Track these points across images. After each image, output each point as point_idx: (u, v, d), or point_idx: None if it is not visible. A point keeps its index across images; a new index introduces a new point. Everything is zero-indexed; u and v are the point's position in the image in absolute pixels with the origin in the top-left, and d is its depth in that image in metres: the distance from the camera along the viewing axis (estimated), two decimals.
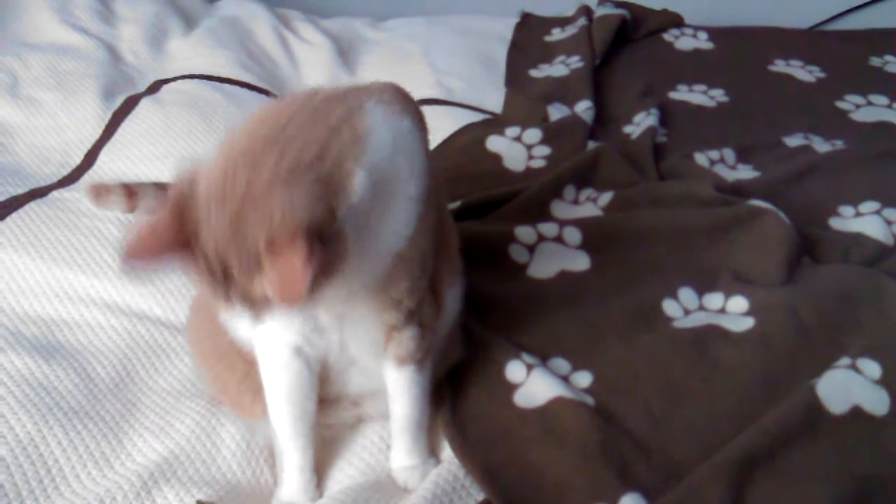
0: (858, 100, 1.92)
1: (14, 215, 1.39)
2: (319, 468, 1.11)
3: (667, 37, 2.19)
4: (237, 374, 1.10)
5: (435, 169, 1.01)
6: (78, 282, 1.30)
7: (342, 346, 1.03)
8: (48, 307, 1.26)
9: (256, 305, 0.83)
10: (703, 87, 1.97)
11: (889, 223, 1.47)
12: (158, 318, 1.27)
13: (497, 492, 1.01)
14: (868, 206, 1.52)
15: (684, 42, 2.18)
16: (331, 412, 1.13)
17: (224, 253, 0.81)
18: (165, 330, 1.26)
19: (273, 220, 0.78)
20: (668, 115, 1.83)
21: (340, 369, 1.07)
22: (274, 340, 1.02)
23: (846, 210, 1.52)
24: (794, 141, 1.75)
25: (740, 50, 2.14)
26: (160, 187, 1.43)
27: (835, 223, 1.50)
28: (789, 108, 1.89)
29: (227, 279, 0.82)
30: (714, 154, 1.67)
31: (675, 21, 2.24)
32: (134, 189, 1.40)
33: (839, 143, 1.73)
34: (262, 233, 0.79)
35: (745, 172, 1.64)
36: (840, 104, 1.92)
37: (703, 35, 2.20)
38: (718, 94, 1.95)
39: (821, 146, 1.72)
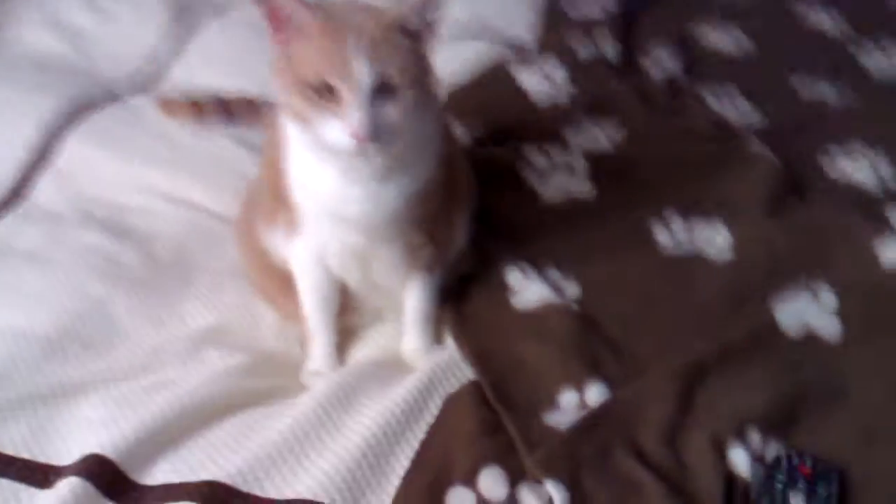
0: (877, 52, 2.01)
1: (94, 116, 1.60)
2: (342, 348, 1.31)
3: None
4: (273, 279, 1.31)
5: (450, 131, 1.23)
6: (146, 175, 1.50)
7: (365, 276, 1.23)
8: (120, 195, 1.48)
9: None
10: (732, 33, 2.08)
11: (878, 172, 1.60)
12: (214, 209, 1.48)
13: (484, 372, 1.19)
14: (861, 152, 1.65)
15: None
16: (353, 317, 1.33)
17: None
18: (221, 221, 1.46)
19: None
20: (692, 58, 1.96)
21: (362, 293, 1.28)
22: (303, 252, 1.22)
23: (841, 158, 1.65)
24: (805, 87, 1.86)
25: None
26: (223, 102, 1.63)
27: (828, 169, 1.63)
28: (809, 55, 2.00)
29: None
30: (723, 95, 1.80)
31: None
32: (200, 104, 1.60)
33: (850, 93, 1.84)
34: None
35: (752, 114, 1.77)
36: (859, 55, 2.02)
37: None
38: (745, 40, 2.06)
39: (830, 95, 1.83)
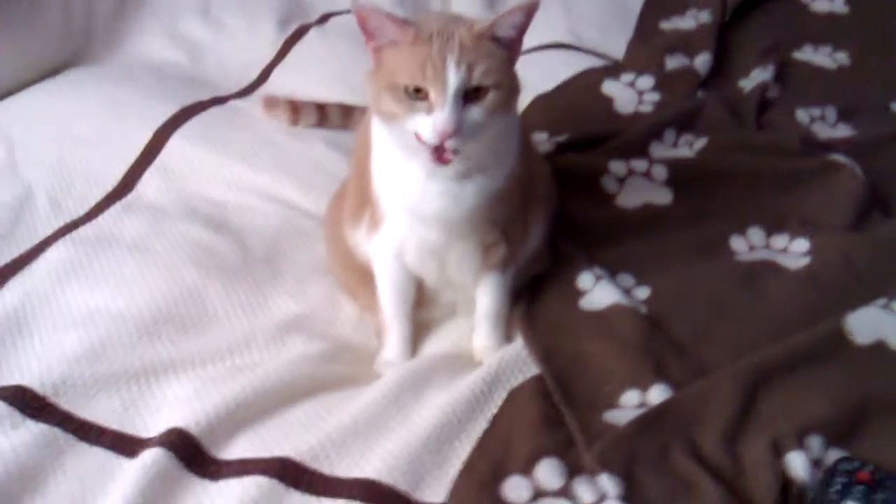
0: None
1: (198, 117, 1.71)
2: (415, 341, 1.36)
3: None
4: (354, 274, 1.38)
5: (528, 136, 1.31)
6: (244, 173, 1.60)
7: (440, 272, 1.29)
8: (218, 191, 1.57)
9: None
10: (828, 49, 2.05)
11: None
12: (305, 207, 1.55)
13: (549, 369, 1.23)
14: None
15: (820, 5, 2.24)
16: (427, 311, 1.38)
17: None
18: (310, 218, 1.54)
19: None
20: (786, 73, 1.94)
21: (437, 289, 1.34)
22: (382, 247, 1.29)
23: None
24: None
25: (874, 16, 2.19)
26: (319, 106, 1.73)
27: None
28: None
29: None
30: (815, 111, 1.78)
31: None
32: (298, 106, 1.71)
33: None
34: None
35: (843, 131, 1.75)
36: None
37: None
38: (842, 57, 2.02)
39: None
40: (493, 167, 1.19)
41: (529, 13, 1.09)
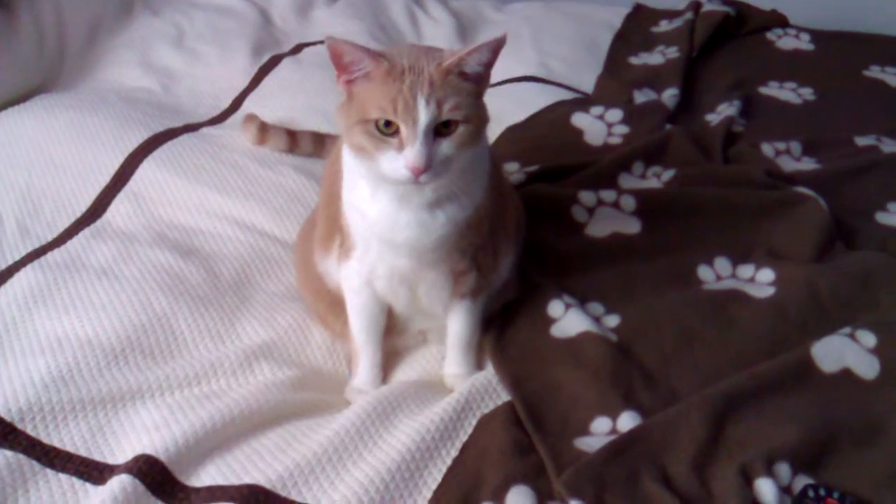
0: None
1: (170, 143, 1.71)
2: (386, 368, 1.36)
3: (770, 35, 2.32)
4: (325, 301, 1.38)
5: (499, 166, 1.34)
6: (214, 200, 1.59)
7: (411, 300, 1.30)
8: (189, 218, 1.57)
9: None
10: (793, 85, 2.10)
11: None
12: (275, 234, 1.56)
13: (520, 396, 1.23)
14: None
15: (786, 42, 2.30)
16: (398, 338, 1.39)
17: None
18: (279, 245, 1.54)
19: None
20: (752, 108, 1.99)
21: (407, 316, 1.35)
22: (353, 274, 1.29)
23: (893, 206, 1.65)
24: (863, 140, 1.86)
25: (839, 53, 2.25)
26: (291, 133, 1.74)
27: (880, 217, 1.63)
28: (870, 111, 2.00)
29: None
30: (780, 145, 1.81)
31: (780, 21, 2.36)
32: (268, 127, 1.72)
33: None
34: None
35: (808, 164, 1.78)
36: None
37: (805, 36, 2.31)
38: (807, 93, 2.07)
39: (889, 147, 1.84)
40: (463, 196, 1.20)
41: (496, 50, 1.11)
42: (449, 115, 1.09)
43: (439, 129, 1.10)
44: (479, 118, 1.14)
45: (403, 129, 1.08)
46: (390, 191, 1.16)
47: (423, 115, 1.08)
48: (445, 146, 1.10)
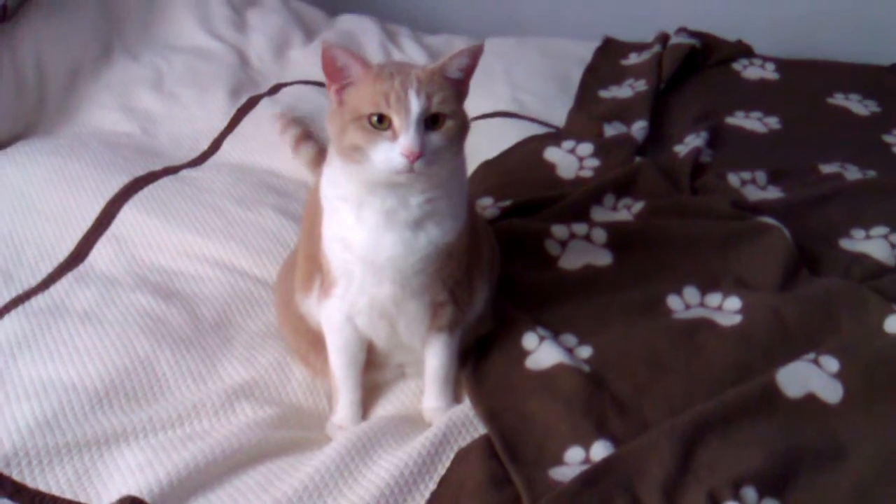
0: None
1: (150, 187, 1.74)
2: (366, 403, 1.39)
3: (735, 66, 2.38)
4: (305, 340, 1.42)
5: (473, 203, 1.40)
6: (195, 242, 1.62)
7: (391, 334, 1.34)
8: (170, 260, 1.60)
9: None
10: (759, 115, 2.16)
11: (893, 246, 1.65)
12: (255, 275, 1.58)
13: (496, 428, 1.26)
14: (878, 230, 1.69)
15: (751, 72, 2.36)
16: (377, 373, 1.42)
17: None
18: (260, 285, 1.57)
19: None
20: (719, 138, 2.04)
21: (387, 351, 1.38)
22: (334, 311, 1.33)
23: (857, 233, 1.70)
24: (828, 168, 1.92)
25: (804, 82, 2.31)
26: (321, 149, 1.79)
27: (844, 243, 1.68)
28: (835, 138, 2.06)
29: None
30: (746, 175, 1.87)
31: (745, 51, 2.43)
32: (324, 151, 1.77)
33: (871, 173, 1.90)
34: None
35: (773, 193, 1.83)
36: (886, 137, 2.07)
37: (770, 66, 2.38)
38: (772, 122, 2.13)
39: (852, 174, 1.89)
40: (446, 217, 1.25)
41: (475, 56, 1.20)
42: (438, 108, 1.16)
43: (429, 123, 1.17)
44: (463, 118, 1.22)
45: (396, 120, 1.15)
46: (377, 207, 1.21)
47: (415, 105, 1.15)
48: (436, 138, 1.17)
